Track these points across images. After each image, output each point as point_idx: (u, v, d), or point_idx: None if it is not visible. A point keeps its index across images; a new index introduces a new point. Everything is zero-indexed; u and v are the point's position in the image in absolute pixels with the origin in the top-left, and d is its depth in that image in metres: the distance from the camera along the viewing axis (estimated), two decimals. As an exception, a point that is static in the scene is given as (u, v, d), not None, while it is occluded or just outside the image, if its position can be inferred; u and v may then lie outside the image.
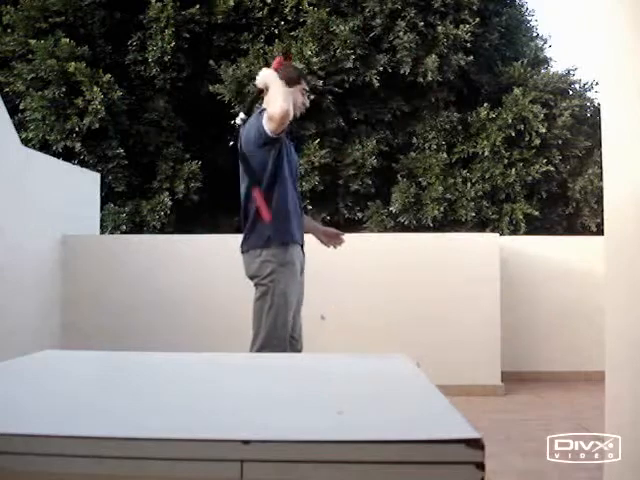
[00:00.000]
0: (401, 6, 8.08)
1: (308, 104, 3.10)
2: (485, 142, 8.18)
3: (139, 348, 1.79)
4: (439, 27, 8.17)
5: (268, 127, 2.72)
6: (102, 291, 4.77)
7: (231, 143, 9.78)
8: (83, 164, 7.37)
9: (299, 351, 2.98)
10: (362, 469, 0.79)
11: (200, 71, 8.26)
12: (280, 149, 2.84)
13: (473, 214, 8.07)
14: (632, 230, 1.97)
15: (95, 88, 7.37)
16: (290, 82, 2.93)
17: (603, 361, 2.15)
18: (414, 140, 8.49)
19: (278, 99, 2.69)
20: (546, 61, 9.81)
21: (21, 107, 7.61)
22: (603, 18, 2.18)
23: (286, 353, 2.77)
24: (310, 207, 7.98)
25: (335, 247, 3.24)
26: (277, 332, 2.80)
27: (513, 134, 8.10)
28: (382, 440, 0.80)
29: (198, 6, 7.99)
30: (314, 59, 7.75)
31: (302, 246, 2.96)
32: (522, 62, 8.84)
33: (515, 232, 7.93)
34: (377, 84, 7.96)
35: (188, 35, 7.96)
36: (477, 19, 8.31)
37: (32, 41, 7.56)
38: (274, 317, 2.79)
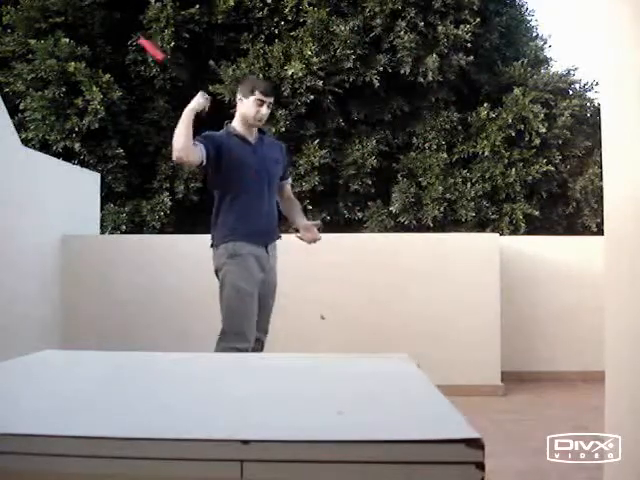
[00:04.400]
0: (401, 6, 8.07)
1: (264, 113, 3.21)
2: (485, 142, 8.18)
3: (139, 348, 1.80)
4: (439, 27, 8.16)
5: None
6: (102, 291, 4.77)
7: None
8: (83, 164, 7.37)
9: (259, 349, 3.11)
10: (362, 469, 0.79)
11: (200, 71, 8.26)
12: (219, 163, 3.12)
13: (473, 214, 8.06)
14: (632, 230, 1.97)
15: (95, 88, 7.36)
16: (244, 94, 3.21)
17: (603, 361, 2.15)
18: (414, 140, 8.49)
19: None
20: (546, 61, 9.80)
21: (21, 107, 7.60)
22: (604, 18, 2.18)
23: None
24: (310, 207, 7.97)
25: (309, 243, 3.27)
26: (232, 321, 2.96)
27: (513, 134, 8.10)
28: (382, 440, 0.80)
29: (198, 6, 7.97)
30: (314, 59, 7.75)
31: (266, 246, 3.16)
32: (522, 62, 8.83)
33: (515, 232, 7.93)
34: (377, 84, 7.96)
35: (188, 35, 7.95)
36: (477, 19, 8.30)
37: (32, 41, 7.55)
38: (227, 307, 2.99)
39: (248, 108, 3.20)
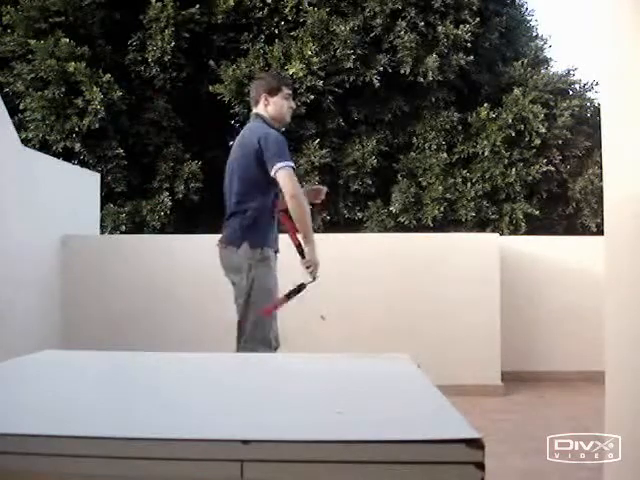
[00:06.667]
0: (401, 6, 8.08)
1: (294, 106, 3.18)
2: (485, 142, 8.19)
3: (139, 348, 1.79)
4: (439, 27, 8.17)
5: (285, 189, 2.84)
6: (102, 291, 4.77)
7: (231, 143, 9.79)
8: (83, 164, 7.37)
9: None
10: (362, 469, 0.79)
11: (200, 71, 8.26)
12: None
13: (473, 214, 8.07)
14: (632, 229, 1.97)
15: (95, 88, 7.37)
16: (272, 92, 3.01)
17: (603, 361, 2.15)
18: (414, 140, 8.50)
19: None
20: (546, 61, 9.81)
21: (21, 107, 7.61)
22: (604, 18, 2.18)
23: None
24: (310, 207, 7.96)
25: (320, 201, 3.34)
26: (261, 327, 2.84)
27: (513, 134, 8.11)
28: (382, 440, 0.80)
29: (198, 6, 7.98)
30: (314, 59, 7.75)
31: (276, 252, 3.03)
32: (522, 62, 8.85)
33: (515, 232, 7.93)
34: (377, 84, 7.97)
35: (188, 35, 7.96)
36: (477, 19, 8.32)
37: (32, 41, 7.56)
38: (257, 310, 2.83)
39: (281, 106, 3.02)
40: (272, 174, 2.83)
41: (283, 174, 2.81)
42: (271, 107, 3.03)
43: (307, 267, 2.93)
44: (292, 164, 2.88)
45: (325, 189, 3.31)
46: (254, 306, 2.84)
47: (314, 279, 2.92)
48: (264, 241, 2.90)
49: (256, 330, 2.83)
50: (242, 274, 2.86)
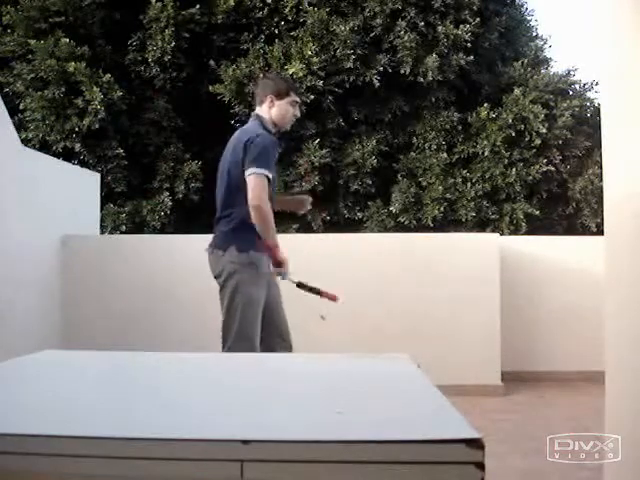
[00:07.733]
0: (401, 6, 8.07)
1: (299, 115, 3.13)
2: (485, 142, 8.19)
3: (139, 348, 1.79)
4: (439, 27, 8.17)
5: (250, 195, 2.78)
6: (102, 291, 4.77)
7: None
8: (83, 164, 7.37)
9: (289, 350, 2.99)
10: (362, 469, 0.79)
11: (200, 71, 8.26)
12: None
13: (473, 214, 8.07)
14: (632, 229, 1.97)
15: (95, 88, 7.37)
16: (279, 95, 2.99)
17: (603, 361, 2.15)
18: (414, 140, 8.49)
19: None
20: (546, 61, 9.81)
21: (21, 107, 7.61)
22: (604, 18, 2.18)
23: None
24: (310, 207, 7.96)
25: (305, 211, 3.35)
26: (242, 334, 2.80)
27: (513, 134, 8.10)
28: (382, 440, 0.80)
29: (198, 6, 7.98)
30: (314, 59, 7.75)
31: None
32: (522, 62, 8.84)
33: (515, 232, 7.93)
34: (377, 84, 7.96)
35: (188, 35, 7.95)
36: (477, 19, 8.31)
37: (32, 41, 7.55)
38: (240, 318, 2.81)
39: (285, 111, 3.00)
40: (245, 177, 2.81)
41: (251, 180, 2.78)
42: (275, 110, 3.00)
43: (277, 274, 2.92)
44: (266, 172, 2.80)
45: (309, 200, 3.29)
46: (237, 314, 2.81)
47: (283, 278, 2.92)
48: (251, 245, 2.86)
49: (239, 341, 2.78)
50: (226, 279, 2.86)
